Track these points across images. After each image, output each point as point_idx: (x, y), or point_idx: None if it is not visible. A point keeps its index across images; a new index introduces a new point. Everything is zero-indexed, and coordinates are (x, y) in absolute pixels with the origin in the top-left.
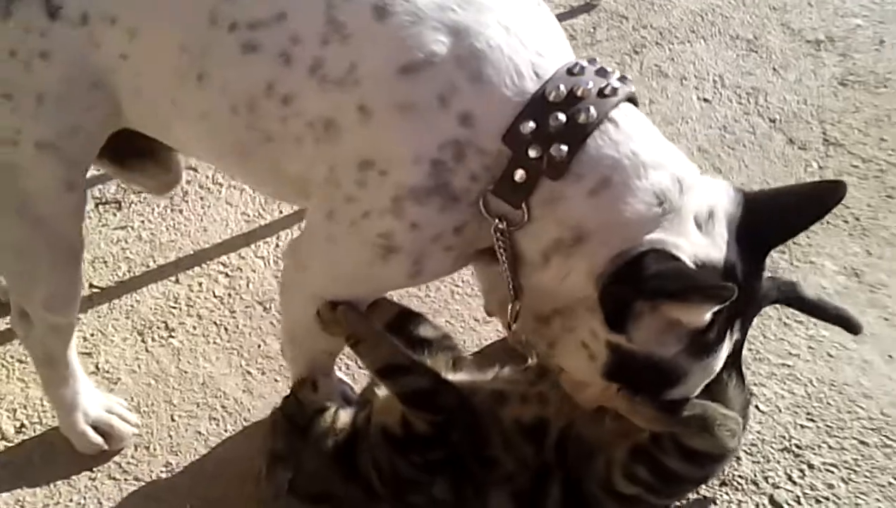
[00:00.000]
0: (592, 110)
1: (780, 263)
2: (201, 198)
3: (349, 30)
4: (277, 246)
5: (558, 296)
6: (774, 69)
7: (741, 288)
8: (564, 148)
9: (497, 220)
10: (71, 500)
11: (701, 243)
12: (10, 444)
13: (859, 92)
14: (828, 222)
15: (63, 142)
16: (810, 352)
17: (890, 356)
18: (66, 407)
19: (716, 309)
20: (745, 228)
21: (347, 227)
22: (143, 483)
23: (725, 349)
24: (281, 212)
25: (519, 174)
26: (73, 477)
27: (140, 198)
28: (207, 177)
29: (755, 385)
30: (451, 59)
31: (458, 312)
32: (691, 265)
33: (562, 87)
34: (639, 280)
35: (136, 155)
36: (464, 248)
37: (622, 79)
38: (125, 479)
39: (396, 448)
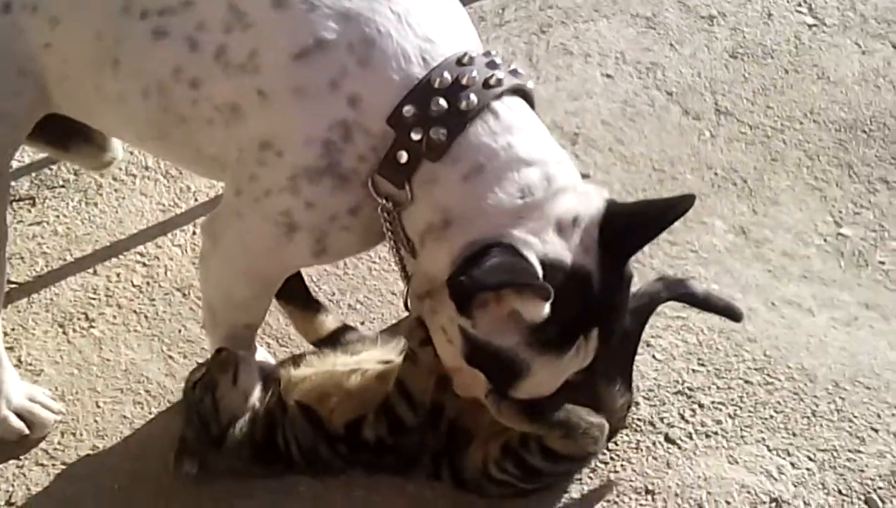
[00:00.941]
0: (473, 98)
1: (675, 226)
2: (115, 190)
3: (250, 18)
4: (194, 233)
5: (430, 279)
6: (671, 44)
7: (597, 298)
8: (444, 131)
9: (384, 200)
10: None
11: (555, 244)
12: None
13: (748, 63)
14: (718, 186)
15: None
16: None
17: (773, 303)
18: None
19: (546, 305)
20: (608, 238)
21: (252, 204)
22: (71, 468)
23: (581, 353)
24: (196, 200)
25: (402, 155)
26: (0, 466)
27: (54, 194)
28: (121, 169)
29: (653, 337)
30: (343, 44)
31: (376, 287)
32: (537, 263)
33: (446, 75)
34: (475, 269)
35: (73, 136)
36: (364, 230)
37: (513, 72)
38: (53, 465)
39: (323, 435)
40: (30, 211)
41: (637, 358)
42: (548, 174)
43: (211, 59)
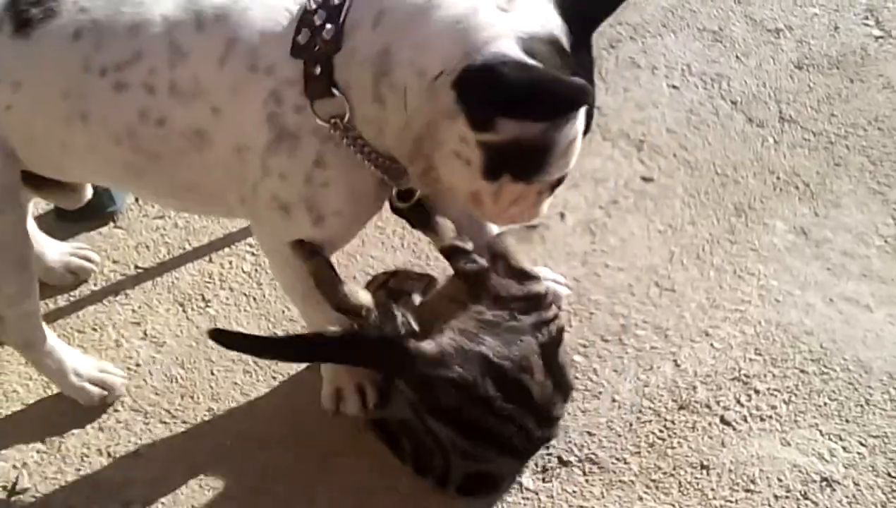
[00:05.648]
0: None
1: (736, 225)
2: None
3: (185, 47)
4: None
5: (413, 123)
6: (737, 56)
7: (573, 62)
8: (330, 25)
9: (332, 122)
10: (129, 441)
11: (507, 20)
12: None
13: (814, 74)
14: (780, 189)
15: None
16: (760, 299)
17: (830, 299)
18: (57, 374)
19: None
20: (568, 8)
21: (254, 202)
22: (190, 426)
23: (581, 114)
24: None
25: (315, 69)
26: (130, 423)
27: None
28: None
29: (711, 327)
30: (245, 29)
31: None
32: (520, 41)
33: None
34: (500, 94)
35: (46, 179)
36: (343, 180)
37: None
38: (174, 422)
39: None
40: (153, 206)
41: (694, 345)
42: None
43: (167, 96)
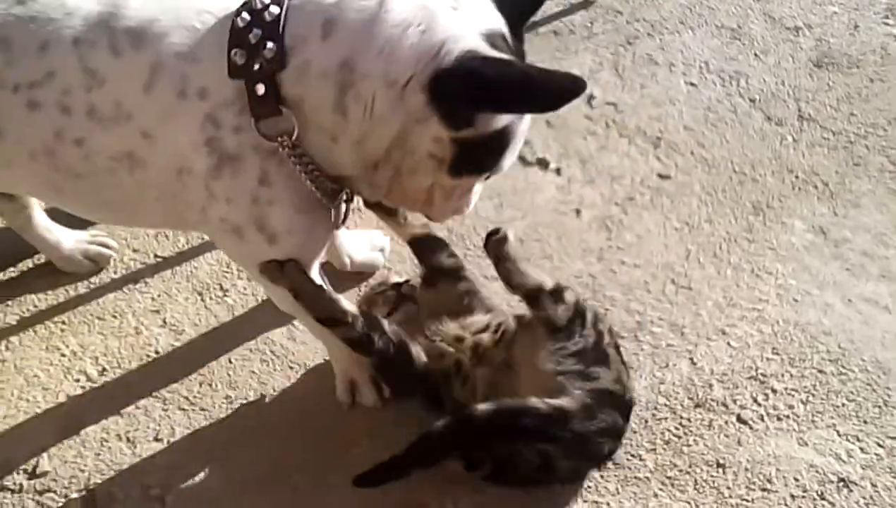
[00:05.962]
0: (273, 8)
1: (754, 223)
2: None
3: (101, 74)
4: None
5: (376, 132)
6: (756, 54)
7: (515, 52)
8: (270, 43)
9: (280, 140)
10: (149, 427)
11: (465, 19)
12: (96, 385)
13: (833, 73)
14: (799, 188)
15: None
16: (778, 298)
17: (849, 300)
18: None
19: None
20: (504, 4)
21: (208, 225)
22: (208, 413)
23: None
24: None
25: (259, 89)
26: (149, 409)
27: None
28: None
29: (728, 326)
30: (169, 55)
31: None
32: (483, 38)
33: (244, 14)
34: (482, 90)
35: None
36: (290, 195)
37: None
38: (192, 409)
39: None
40: None
41: (711, 343)
42: None
43: (85, 119)
